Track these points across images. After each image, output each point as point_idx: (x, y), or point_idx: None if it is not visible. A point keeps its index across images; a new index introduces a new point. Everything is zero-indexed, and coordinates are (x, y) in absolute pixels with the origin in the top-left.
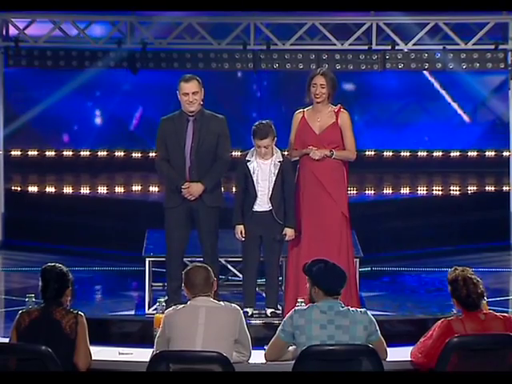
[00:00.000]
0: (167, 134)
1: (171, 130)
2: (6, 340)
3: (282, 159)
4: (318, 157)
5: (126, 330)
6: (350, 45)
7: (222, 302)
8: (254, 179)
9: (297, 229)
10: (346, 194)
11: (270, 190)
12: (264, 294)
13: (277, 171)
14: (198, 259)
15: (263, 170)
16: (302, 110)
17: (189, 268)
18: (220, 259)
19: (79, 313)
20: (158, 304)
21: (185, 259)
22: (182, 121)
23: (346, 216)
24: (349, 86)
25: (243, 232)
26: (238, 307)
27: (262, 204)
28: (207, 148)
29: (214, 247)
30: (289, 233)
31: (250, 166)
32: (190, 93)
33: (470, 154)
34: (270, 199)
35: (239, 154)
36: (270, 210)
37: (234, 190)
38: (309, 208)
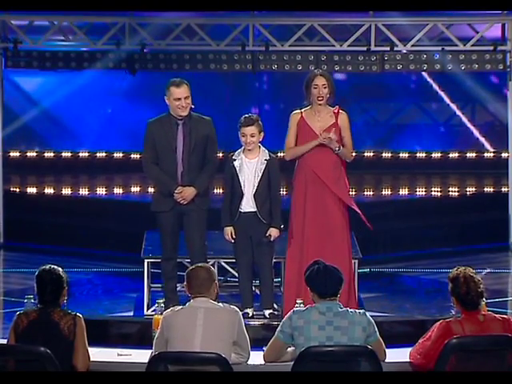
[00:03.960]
0: (156, 137)
1: (160, 133)
2: (5, 341)
3: (268, 158)
4: (334, 137)
5: (125, 331)
6: (348, 46)
7: (220, 304)
8: (240, 178)
9: (291, 229)
10: (348, 190)
11: (255, 187)
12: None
13: (263, 170)
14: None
15: (249, 168)
16: (299, 110)
17: (191, 268)
18: (219, 260)
19: (77, 314)
20: (156, 305)
21: (179, 259)
22: (170, 124)
23: (348, 215)
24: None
25: (233, 233)
26: (237, 309)
27: (248, 203)
28: (198, 152)
29: (203, 248)
30: (273, 233)
31: (236, 164)
32: (183, 98)
33: (468, 154)
34: (254, 196)
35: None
36: (256, 210)
37: (221, 190)
38: (312, 208)
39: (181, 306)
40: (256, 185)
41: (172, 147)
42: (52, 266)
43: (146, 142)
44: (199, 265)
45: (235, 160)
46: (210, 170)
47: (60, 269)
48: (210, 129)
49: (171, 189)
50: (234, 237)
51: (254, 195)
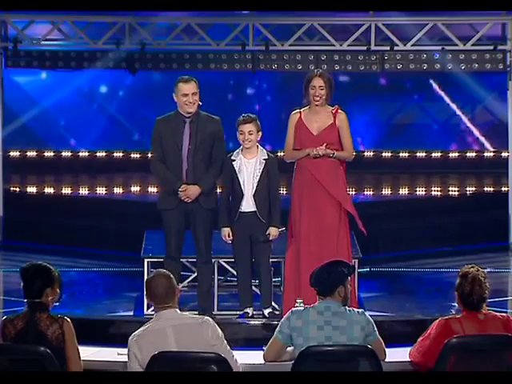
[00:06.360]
0: (163, 134)
1: (167, 131)
2: None
3: (266, 157)
4: (323, 153)
5: (125, 330)
6: (348, 45)
7: (187, 314)
8: (240, 178)
9: (289, 228)
10: (346, 192)
11: (254, 187)
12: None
13: (261, 169)
14: (194, 260)
15: (248, 168)
16: (298, 110)
17: (150, 277)
18: (219, 260)
19: (65, 319)
20: None
21: (182, 260)
22: (178, 122)
23: (347, 215)
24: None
25: (230, 234)
26: (209, 318)
27: (248, 203)
28: (204, 150)
29: (209, 248)
30: (272, 232)
31: (235, 164)
32: (190, 94)
33: (468, 154)
34: (254, 196)
35: None
36: (256, 210)
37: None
38: (309, 209)
39: (147, 325)
40: (255, 184)
41: (178, 145)
42: (42, 263)
43: (153, 140)
44: (159, 272)
45: (234, 160)
46: (215, 169)
47: (52, 267)
48: (218, 128)
49: (175, 186)
50: (231, 237)
51: (254, 195)
